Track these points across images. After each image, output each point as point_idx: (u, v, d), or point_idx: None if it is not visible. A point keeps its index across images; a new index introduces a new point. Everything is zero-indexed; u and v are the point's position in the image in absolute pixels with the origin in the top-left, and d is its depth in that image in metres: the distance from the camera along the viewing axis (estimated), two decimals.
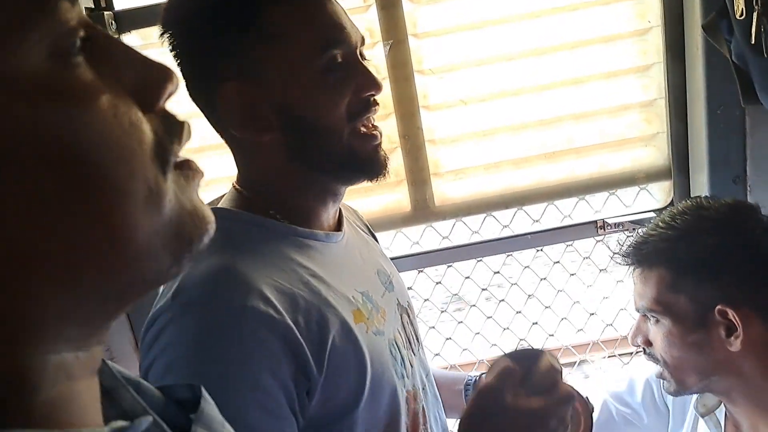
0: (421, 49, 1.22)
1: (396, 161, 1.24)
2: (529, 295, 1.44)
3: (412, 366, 0.82)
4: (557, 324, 1.46)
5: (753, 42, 0.99)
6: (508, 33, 1.22)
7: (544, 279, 1.43)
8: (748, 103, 1.09)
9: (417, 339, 0.88)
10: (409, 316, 0.88)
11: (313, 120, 0.70)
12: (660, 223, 0.94)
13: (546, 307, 1.45)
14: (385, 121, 1.22)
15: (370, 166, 0.74)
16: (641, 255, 0.95)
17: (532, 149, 1.28)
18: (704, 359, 0.92)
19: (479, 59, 1.22)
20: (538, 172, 1.29)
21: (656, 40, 1.23)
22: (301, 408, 0.66)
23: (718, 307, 0.87)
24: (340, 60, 0.70)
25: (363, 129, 0.73)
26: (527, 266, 1.43)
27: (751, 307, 0.87)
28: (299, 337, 0.65)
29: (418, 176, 1.26)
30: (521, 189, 1.30)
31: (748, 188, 1.21)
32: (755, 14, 0.97)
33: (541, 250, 1.37)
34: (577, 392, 0.76)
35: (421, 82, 1.22)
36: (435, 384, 0.92)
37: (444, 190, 1.28)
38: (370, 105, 0.73)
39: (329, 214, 0.79)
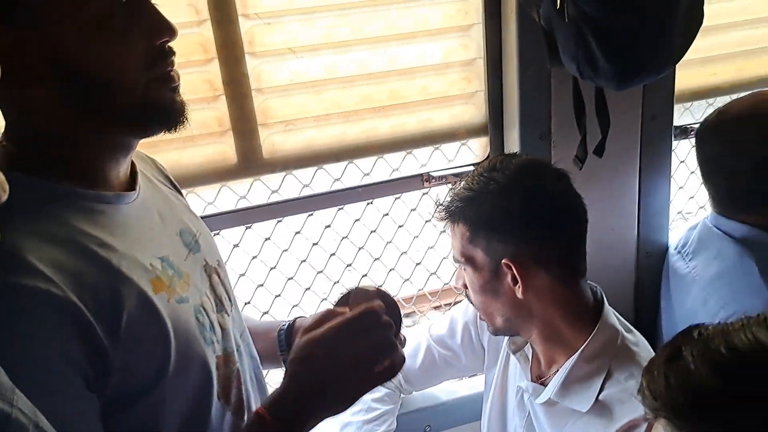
0: None
1: (219, 109, 1.18)
2: (360, 248, 1.47)
3: (223, 329, 0.79)
4: (386, 275, 1.51)
5: (558, 6, 1.07)
6: None
7: (374, 231, 1.47)
8: (554, 65, 1.18)
9: (230, 299, 0.85)
10: (219, 276, 0.84)
11: (96, 71, 0.63)
12: (463, 183, 1.05)
13: (375, 259, 1.50)
14: (206, 65, 1.15)
15: (167, 116, 0.69)
16: (448, 212, 1.05)
17: (361, 103, 1.28)
18: (501, 304, 1.04)
19: (307, 7, 1.19)
20: (367, 126, 1.31)
21: (477, 1, 1.28)
22: (100, 386, 0.62)
23: (504, 261, 0.99)
24: (123, 0, 0.63)
25: (159, 75, 0.67)
26: (357, 219, 1.45)
27: (534, 261, 0.99)
28: (88, 316, 0.60)
29: (245, 126, 1.21)
30: (351, 142, 1.30)
31: (552, 144, 1.33)
32: None
33: (371, 202, 1.40)
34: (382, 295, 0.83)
35: (247, 26, 1.16)
36: (251, 341, 0.90)
37: (273, 142, 1.25)
38: (165, 54, 0.67)
39: (120, 171, 0.72)
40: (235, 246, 1.36)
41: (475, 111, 1.37)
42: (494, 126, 1.36)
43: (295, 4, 1.18)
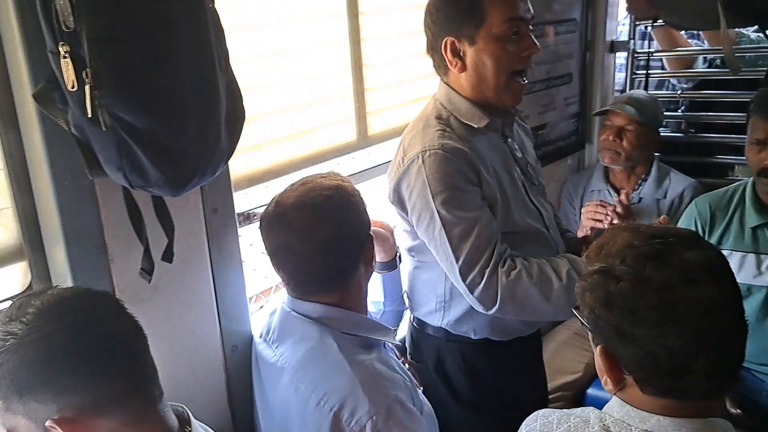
0: None
1: None
2: None
3: None
4: None
5: (90, 115, 0.92)
6: None
7: None
8: (97, 175, 1.02)
9: None
10: None
11: None
12: None
13: None
14: None
15: None
16: None
17: None
18: None
19: None
20: None
21: None
22: None
23: (47, 423, 0.84)
24: None
25: None
26: None
27: (87, 410, 0.85)
28: None
29: None
30: None
31: (110, 259, 1.16)
32: (87, 87, 0.90)
33: None
34: None
35: None
36: None
37: None
38: None
39: None
40: None
41: (5, 232, 1.09)
42: (32, 247, 1.12)
43: None
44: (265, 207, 1.31)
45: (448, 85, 1.45)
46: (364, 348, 1.31)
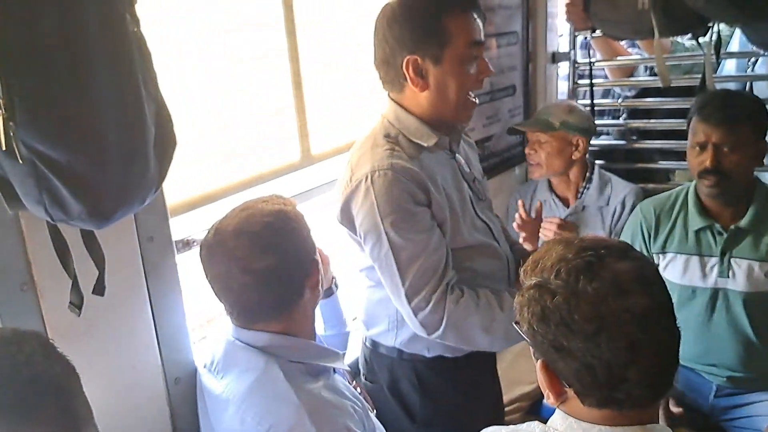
0: None
1: None
2: None
3: None
4: None
5: (5, 147, 0.88)
6: None
7: None
8: (15, 208, 0.97)
9: None
10: None
11: None
12: None
13: None
14: None
15: None
16: None
17: None
18: None
19: None
20: None
21: None
22: None
23: None
24: None
25: None
26: None
27: None
28: None
29: None
30: None
31: (40, 294, 1.10)
32: (0, 119, 0.85)
33: None
34: None
35: None
36: None
37: None
38: None
39: None
40: None
41: None
42: None
43: None
44: (205, 234, 1.27)
45: (396, 102, 1.44)
46: (312, 375, 1.28)
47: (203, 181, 1.49)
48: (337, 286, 1.62)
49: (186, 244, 1.42)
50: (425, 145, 1.41)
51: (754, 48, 2.29)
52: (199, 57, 1.45)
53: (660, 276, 0.91)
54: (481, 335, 1.39)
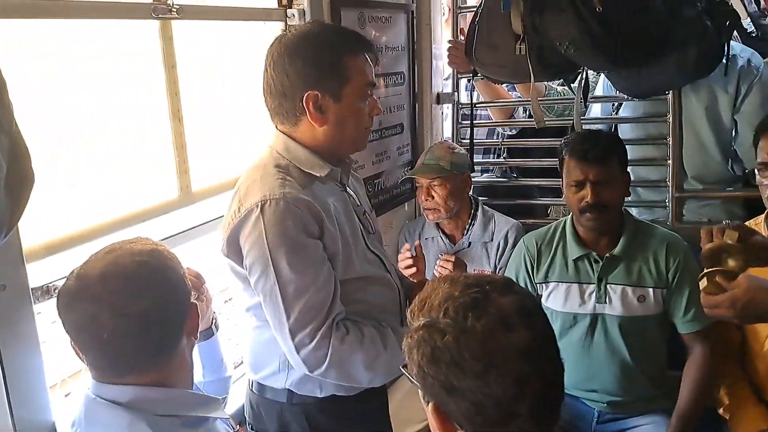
0: None
1: None
2: None
3: None
4: None
5: None
6: None
7: None
8: None
9: None
10: None
11: None
12: None
13: None
14: None
15: None
16: None
17: None
18: None
19: None
20: None
21: None
22: None
23: None
24: None
25: None
26: None
27: None
28: None
29: None
30: None
31: None
32: None
33: None
34: None
35: None
36: None
37: None
38: None
39: None
40: None
41: None
42: None
43: None
44: (65, 281, 1.14)
45: (285, 134, 1.42)
46: (188, 427, 1.18)
47: (67, 221, 1.36)
48: (217, 327, 1.55)
49: (46, 292, 1.28)
50: (317, 175, 1.41)
51: (618, 93, 2.47)
52: (67, 87, 1.35)
53: (541, 308, 0.93)
54: (363, 373, 1.38)
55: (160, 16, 1.52)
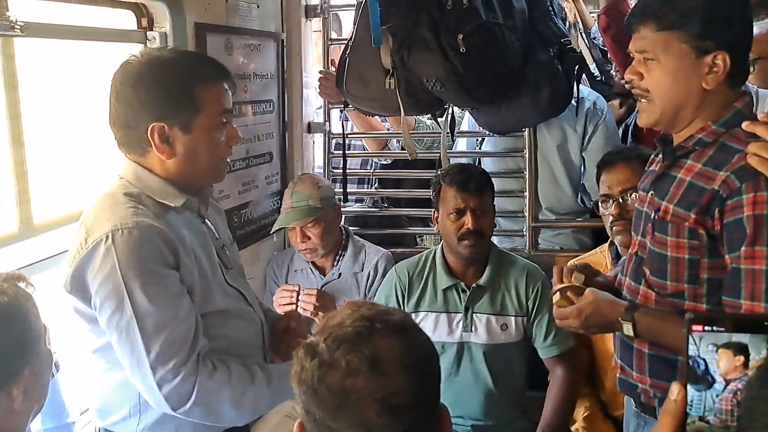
0: None
1: None
2: None
3: None
4: None
5: None
6: None
7: None
8: None
9: None
10: None
11: None
12: None
13: None
14: None
15: None
16: None
17: None
18: None
19: None
20: None
21: None
22: None
23: None
24: None
25: None
26: None
27: None
28: None
29: None
30: None
31: None
32: None
33: None
34: None
35: None
36: None
37: None
38: None
39: None
40: None
41: None
42: None
43: None
44: None
45: (136, 163, 1.35)
46: None
47: None
48: (57, 369, 1.41)
49: None
50: (172, 205, 1.34)
51: (481, 129, 2.60)
52: None
53: (425, 361, 0.88)
54: (230, 410, 1.33)
55: (0, 32, 1.39)
